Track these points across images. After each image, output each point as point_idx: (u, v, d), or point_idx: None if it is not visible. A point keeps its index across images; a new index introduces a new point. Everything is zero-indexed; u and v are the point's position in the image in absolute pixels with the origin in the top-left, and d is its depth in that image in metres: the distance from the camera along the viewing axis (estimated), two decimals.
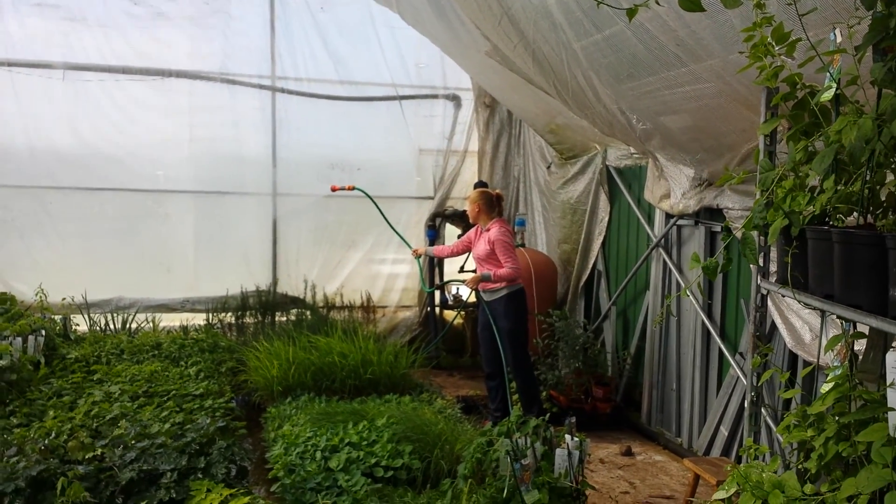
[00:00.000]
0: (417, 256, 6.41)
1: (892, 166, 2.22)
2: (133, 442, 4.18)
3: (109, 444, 4.18)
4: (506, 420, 4.24)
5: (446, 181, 8.63)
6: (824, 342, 2.29)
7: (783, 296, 2.39)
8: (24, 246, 7.46)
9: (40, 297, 7.05)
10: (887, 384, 1.89)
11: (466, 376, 7.89)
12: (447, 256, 6.79)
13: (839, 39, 2.42)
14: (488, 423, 5.23)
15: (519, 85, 6.60)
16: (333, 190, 6.60)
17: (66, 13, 7.37)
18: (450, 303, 8.48)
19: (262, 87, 8.04)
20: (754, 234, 2.55)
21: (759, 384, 2.71)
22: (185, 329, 7.56)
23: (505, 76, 6.67)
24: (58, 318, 7.01)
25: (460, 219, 8.29)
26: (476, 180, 8.48)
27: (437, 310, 8.42)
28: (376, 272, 8.47)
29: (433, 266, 8.35)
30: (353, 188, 6.54)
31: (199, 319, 7.82)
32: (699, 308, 5.59)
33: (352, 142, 8.32)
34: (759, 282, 2.74)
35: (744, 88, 3.98)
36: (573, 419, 4.00)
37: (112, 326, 7.55)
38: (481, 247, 5.86)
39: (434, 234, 8.37)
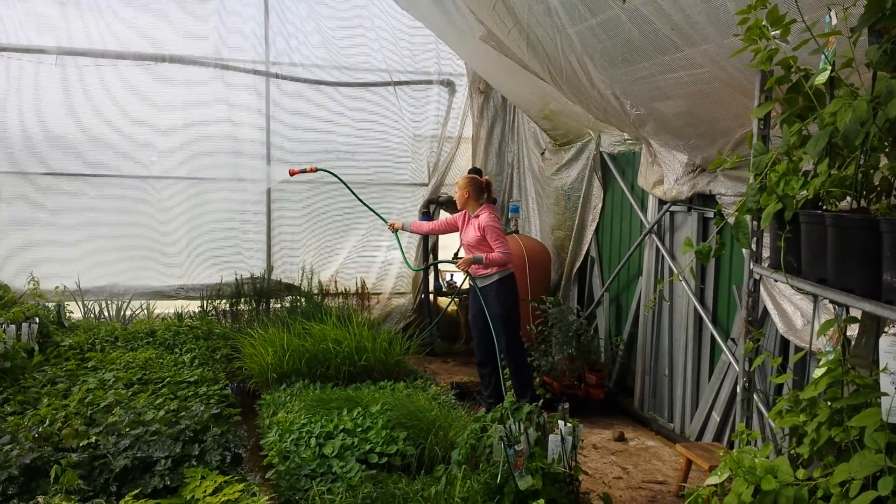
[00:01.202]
0: (395, 230, 6.31)
1: (886, 150, 2.22)
2: (127, 429, 4.18)
3: (103, 431, 4.17)
4: (499, 406, 4.24)
5: (441, 167, 8.60)
6: (817, 327, 2.29)
7: (776, 280, 2.39)
8: (17, 233, 7.41)
9: (33, 284, 7.02)
10: (880, 369, 1.89)
11: (460, 363, 7.90)
12: (427, 233, 6.75)
13: (834, 22, 2.40)
14: (482, 410, 5.25)
15: (513, 70, 6.57)
16: (292, 174, 6.28)
17: None
18: (444, 289, 8.48)
19: (256, 72, 7.98)
20: (747, 218, 2.54)
21: (752, 369, 2.71)
22: (179, 316, 7.55)
23: (499, 61, 6.64)
24: (52, 305, 6.99)
25: (454, 205, 8.25)
26: (470, 166, 8.46)
27: (432, 296, 8.42)
28: (370, 259, 8.45)
29: (427, 248, 8.34)
30: (316, 170, 6.26)
31: (193, 306, 7.80)
32: (691, 294, 5.60)
33: (346, 127, 8.28)
34: (751, 267, 2.74)
35: (738, 73, 3.96)
36: (566, 405, 4.01)
37: (106, 314, 7.53)
38: (471, 233, 5.84)
39: (428, 221, 8.35)
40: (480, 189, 5.94)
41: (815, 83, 2.38)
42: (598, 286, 7.12)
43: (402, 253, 6.55)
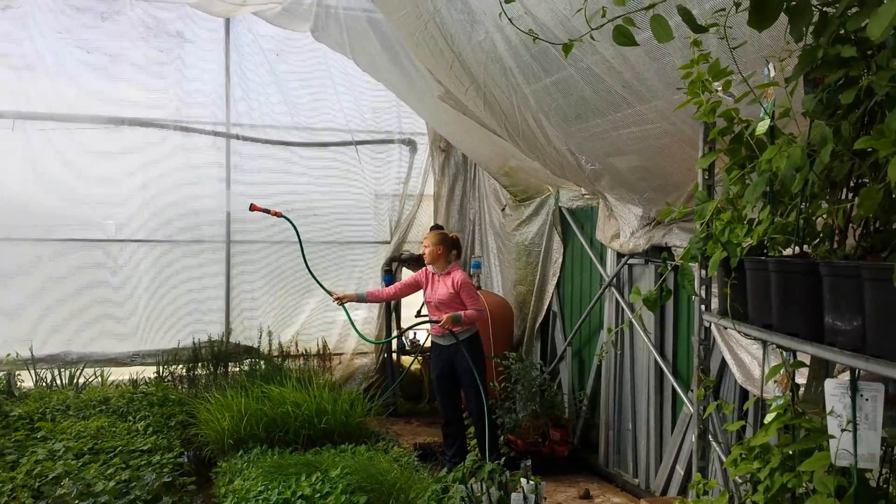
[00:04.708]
0: (341, 303, 5.91)
1: (826, 197, 2.26)
2: (76, 501, 4.02)
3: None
4: (461, 466, 4.16)
5: (402, 225, 8.62)
6: (766, 373, 2.30)
7: (725, 328, 2.40)
8: None
9: None
10: (826, 412, 1.89)
11: (424, 423, 7.77)
12: (387, 299, 6.54)
13: (773, 73, 2.48)
14: (444, 471, 5.14)
15: (472, 128, 6.66)
16: (252, 209, 5.91)
17: (17, 61, 7.25)
18: (407, 348, 8.39)
19: (216, 133, 7.99)
20: (694, 266, 2.56)
21: (705, 416, 2.70)
22: (134, 383, 7.33)
23: (458, 120, 6.74)
24: (1, 374, 6.76)
25: (417, 263, 8.25)
26: (432, 224, 8.49)
27: (395, 355, 8.32)
28: (332, 318, 8.34)
29: (390, 311, 8.25)
30: (280, 215, 5.89)
31: (149, 372, 7.60)
32: (651, 346, 5.61)
33: (308, 187, 8.28)
34: (701, 314, 2.75)
35: (688, 128, 4.06)
36: (528, 462, 3.96)
37: (59, 381, 7.29)
38: (441, 291, 5.80)
39: (391, 279, 8.31)
40: (451, 245, 5.94)
41: (756, 133, 2.43)
42: (561, 341, 7.11)
43: (353, 325, 6.17)
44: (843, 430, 1.85)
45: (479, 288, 7.83)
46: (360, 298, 6.06)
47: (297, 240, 6.02)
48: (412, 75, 6.79)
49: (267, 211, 5.88)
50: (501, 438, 6.27)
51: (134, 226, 7.71)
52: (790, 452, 2.08)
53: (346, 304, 5.94)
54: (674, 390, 5.42)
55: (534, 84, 4.86)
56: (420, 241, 8.54)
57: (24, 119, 7.32)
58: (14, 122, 7.30)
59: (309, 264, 5.97)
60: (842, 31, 2.07)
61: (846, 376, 1.95)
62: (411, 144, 8.78)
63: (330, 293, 5.97)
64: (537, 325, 7.44)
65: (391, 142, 8.75)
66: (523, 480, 3.83)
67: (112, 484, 4.28)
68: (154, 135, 7.76)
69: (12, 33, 7.22)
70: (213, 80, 7.95)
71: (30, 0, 7.21)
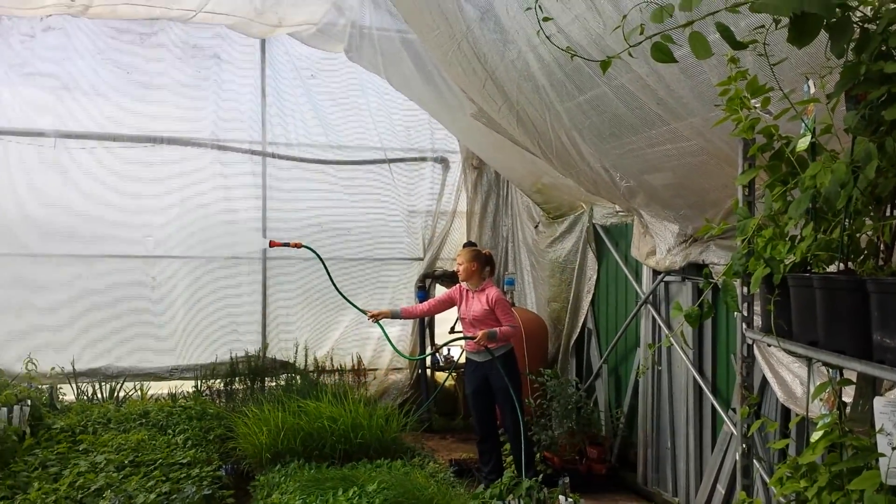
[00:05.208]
0: (376, 320, 5.95)
1: (871, 213, 2.25)
2: None
3: None
4: (498, 482, 4.16)
5: (435, 242, 8.67)
6: (812, 391, 2.28)
7: (769, 345, 2.39)
8: (12, 314, 7.39)
9: (28, 366, 6.96)
10: (876, 430, 1.87)
11: (459, 439, 7.76)
12: (421, 316, 6.56)
13: (812, 90, 2.47)
14: (481, 487, 5.14)
15: (505, 146, 6.70)
16: (272, 245, 6.01)
17: (59, 82, 7.49)
18: (441, 364, 8.40)
19: (252, 152, 8.13)
20: (736, 282, 2.55)
21: (749, 434, 2.68)
22: (173, 397, 7.46)
23: (491, 137, 6.78)
24: (45, 387, 6.91)
25: (450, 279, 8.28)
26: (465, 241, 8.52)
27: (429, 371, 8.34)
28: (367, 334, 8.40)
29: (423, 327, 8.29)
30: (300, 245, 5.97)
31: (187, 386, 7.72)
32: (690, 364, 5.56)
33: (341, 205, 8.39)
34: (743, 331, 2.74)
35: (724, 145, 4.04)
36: (566, 479, 3.94)
37: (100, 395, 7.44)
38: (476, 307, 5.82)
39: (424, 296, 8.35)
40: (485, 262, 5.96)
41: (796, 149, 2.43)
42: (597, 358, 7.07)
43: (390, 341, 6.21)
44: (893, 449, 1.83)
45: (512, 305, 7.83)
46: (395, 315, 6.12)
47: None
48: (445, 94, 6.86)
49: (287, 244, 5.95)
50: (538, 456, 6.24)
51: (172, 242, 7.86)
52: (838, 471, 2.06)
53: (381, 321, 5.98)
54: (713, 409, 5.37)
55: (567, 102, 4.88)
56: (453, 258, 8.59)
57: (64, 138, 7.53)
58: (56, 141, 7.50)
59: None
60: (883, 48, 2.06)
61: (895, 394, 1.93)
62: (444, 162, 8.84)
63: (364, 311, 6.02)
64: (572, 342, 7.41)
65: (424, 159, 8.82)
66: (562, 498, 3.82)
67: (153, 496, 4.35)
68: (191, 153, 7.93)
69: (54, 54, 7.46)
70: (249, 99, 8.10)
71: (71, 22, 7.44)
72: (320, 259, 6.05)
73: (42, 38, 7.41)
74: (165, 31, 7.73)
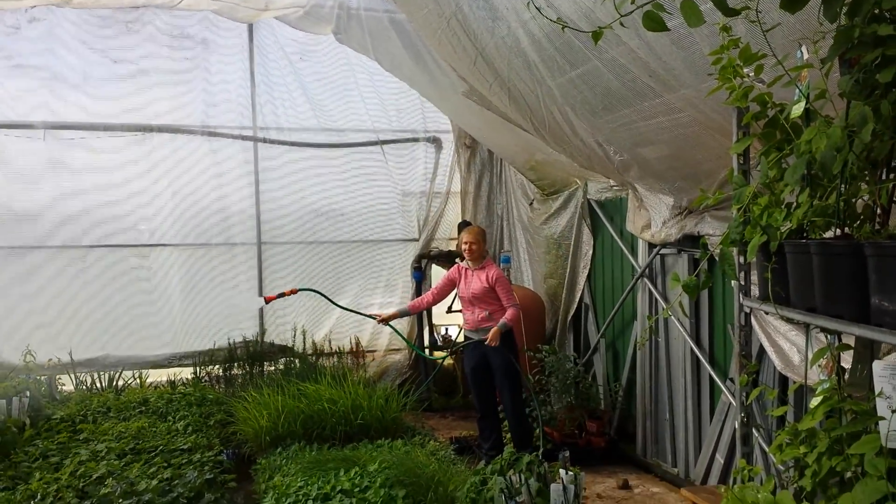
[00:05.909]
0: (386, 323, 6.08)
1: (866, 178, 2.24)
2: (120, 500, 4.09)
3: (96, 503, 4.08)
4: (499, 458, 4.18)
5: (430, 222, 8.65)
6: (811, 357, 2.28)
7: (766, 312, 2.39)
8: (8, 305, 7.36)
9: (27, 358, 6.95)
10: (875, 393, 1.88)
11: (459, 417, 7.80)
12: (428, 306, 6.56)
13: (806, 55, 2.46)
14: (481, 463, 5.17)
15: (497, 124, 6.66)
16: (268, 301, 6.20)
17: (46, 73, 7.41)
18: (439, 343, 8.42)
19: (243, 137, 8.08)
20: (733, 251, 2.55)
21: (748, 403, 2.69)
22: (172, 384, 7.46)
23: (483, 116, 6.74)
24: (43, 378, 6.90)
25: (446, 259, 8.28)
26: (460, 220, 8.51)
27: (427, 351, 8.35)
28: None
29: (421, 316, 8.27)
30: (296, 291, 6.29)
31: (186, 373, 7.72)
32: (687, 336, 5.58)
33: (334, 188, 8.36)
34: (741, 300, 2.74)
35: (717, 115, 4.03)
36: (567, 453, 3.96)
37: (99, 385, 7.43)
38: (475, 285, 5.85)
39: (420, 276, 8.35)
40: (485, 241, 6.04)
41: (791, 116, 2.42)
42: (594, 333, 7.09)
43: (408, 343, 6.43)
44: (893, 412, 1.84)
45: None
46: (403, 314, 6.28)
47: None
48: (435, 73, 6.80)
49: (282, 294, 6.14)
50: (536, 431, 6.27)
51: (166, 230, 7.84)
52: (837, 436, 2.07)
53: (391, 322, 6.12)
54: (711, 379, 5.40)
55: (559, 77, 4.85)
56: (448, 237, 8.58)
57: (54, 129, 7.46)
58: (45, 133, 7.44)
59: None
60: (877, 10, 2.05)
61: (894, 357, 1.93)
62: (436, 142, 8.80)
63: (373, 317, 6.18)
64: (569, 317, 7.43)
65: (416, 140, 8.78)
66: (562, 471, 3.84)
67: (155, 482, 4.35)
68: (182, 140, 7.88)
69: (40, 46, 7.37)
70: (238, 84, 8.04)
71: (55, 12, 7.34)
72: (321, 294, 6.48)
73: (27, 29, 7.32)
74: (151, 18, 7.65)
